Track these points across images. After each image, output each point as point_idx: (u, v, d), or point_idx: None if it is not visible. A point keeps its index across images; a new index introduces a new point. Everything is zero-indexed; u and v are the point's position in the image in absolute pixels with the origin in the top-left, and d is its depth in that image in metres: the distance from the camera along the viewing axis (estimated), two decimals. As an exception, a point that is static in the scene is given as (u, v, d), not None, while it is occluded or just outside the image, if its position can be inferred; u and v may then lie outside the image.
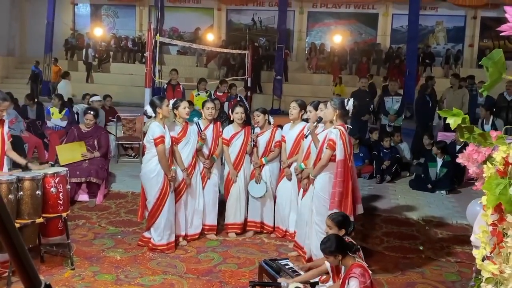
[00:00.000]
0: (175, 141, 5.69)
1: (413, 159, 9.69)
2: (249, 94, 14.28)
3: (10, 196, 4.46)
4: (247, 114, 6.53)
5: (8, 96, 8.54)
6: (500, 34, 1.73)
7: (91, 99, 9.58)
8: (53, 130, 9.59)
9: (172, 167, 5.57)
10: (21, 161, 5.41)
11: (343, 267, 3.95)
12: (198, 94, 10.62)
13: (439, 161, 8.43)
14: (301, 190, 5.49)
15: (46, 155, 9.11)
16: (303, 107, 5.94)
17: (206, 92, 10.71)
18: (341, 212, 4.61)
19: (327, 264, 4.17)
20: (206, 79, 12.38)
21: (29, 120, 10.04)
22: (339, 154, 4.88)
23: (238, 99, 10.93)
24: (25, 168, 5.27)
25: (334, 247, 3.85)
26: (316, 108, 5.57)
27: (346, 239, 4.06)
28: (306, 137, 5.49)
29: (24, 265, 1.08)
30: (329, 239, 3.97)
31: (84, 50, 19.48)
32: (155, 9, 15.54)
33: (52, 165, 7.25)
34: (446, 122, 2.01)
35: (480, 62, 1.88)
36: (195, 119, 5.98)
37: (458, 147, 8.92)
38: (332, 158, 4.96)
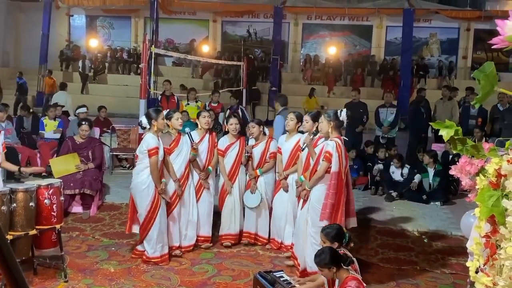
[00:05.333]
0: (167, 152, 5.67)
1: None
2: (244, 105, 14.28)
3: (3, 208, 4.44)
4: (242, 125, 6.53)
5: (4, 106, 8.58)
6: (492, 47, 1.75)
7: (77, 111, 9.56)
8: (44, 141, 9.56)
9: (163, 180, 5.54)
10: (14, 168, 5.49)
11: (337, 280, 3.94)
12: (188, 104, 10.69)
13: (431, 171, 8.47)
14: (301, 201, 5.47)
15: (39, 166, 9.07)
16: (299, 119, 5.95)
17: (196, 102, 10.76)
18: (335, 224, 4.60)
19: (323, 277, 4.16)
20: (202, 90, 12.42)
21: (25, 130, 10.01)
22: (334, 166, 4.90)
23: (239, 110, 11.04)
24: (19, 173, 5.35)
25: (328, 259, 3.84)
26: (313, 119, 5.59)
27: (341, 251, 4.05)
28: (302, 150, 5.50)
29: (15, 279, 1.07)
30: (323, 251, 3.96)
31: (80, 61, 19.47)
32: (151, 21, 15.57)
33: (45, 176, 7.25)
34: (439, 134, 2.02)
35: (472, 75, 1.90)
36: (187, 129, 5.96)
37: (451, 156, 8.98)
38: (328, 170, 4.97)
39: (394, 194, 8.41)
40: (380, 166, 8.84)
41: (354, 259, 4.13)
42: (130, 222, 5.75)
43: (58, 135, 9.64)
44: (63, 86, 14.00)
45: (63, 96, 13.01)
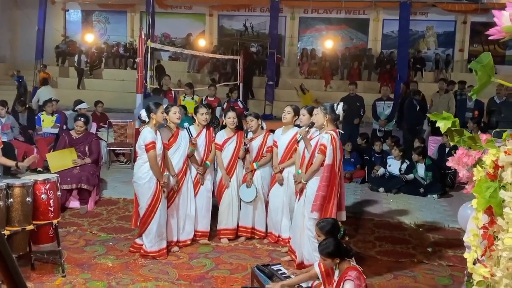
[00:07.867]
0: (166, 147, 5.66)
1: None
2: (241, 99, 14.28)
3: (0, 203, 4.42)
4: (240, 118, 6.52)
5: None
6: (489, 38, 1.74)
7: (77, 107, 9.52)
8: (41, 136, 9.54)
9: (165, 173, 5.55)
10: (11, 163, 5.51)
11: (337, 271, 3.96)
12: (185, 98, 10.67)
13: (421, 166, 8.46)
14: (299, 194, 5.46)
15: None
16: (297, 112, 5.94)
17: (192, 98, 10.74)
18: (330, 218, 4.60)
19: (316, 269, 4.17)
20: (199, 84, 12.39)
21: (20, 126, 9.99)
22: (328, 159, 4.91)
23: (239, 102, 11.06)
24: (16, 168, 5.42)
25: (332, 249, 3.87)
26: (310, 113, 5.58)
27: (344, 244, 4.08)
28: (298, 142, 5.49)
29: (12, 274, 1.07)
30: (328, 241, 3.99)
31: (76, 56, 19.40)
32: (147, 15, 15.50)
33: (41, 171, 7.26)
34: (436, 126, 2.02)
35: (469, 66, 1.89)
36: (186, 124, 5.95)
37: (448, 149, 8.99)
38: (323, 163, 4.97)
39: (381, 189, 8.57)
40: (382, 170, 8.82)
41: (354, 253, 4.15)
42: (136, 216, 5.76)
43: (56, 130, 9.64)
44: (45, 82, 13.99)
45: (47, 91, 12.96)
